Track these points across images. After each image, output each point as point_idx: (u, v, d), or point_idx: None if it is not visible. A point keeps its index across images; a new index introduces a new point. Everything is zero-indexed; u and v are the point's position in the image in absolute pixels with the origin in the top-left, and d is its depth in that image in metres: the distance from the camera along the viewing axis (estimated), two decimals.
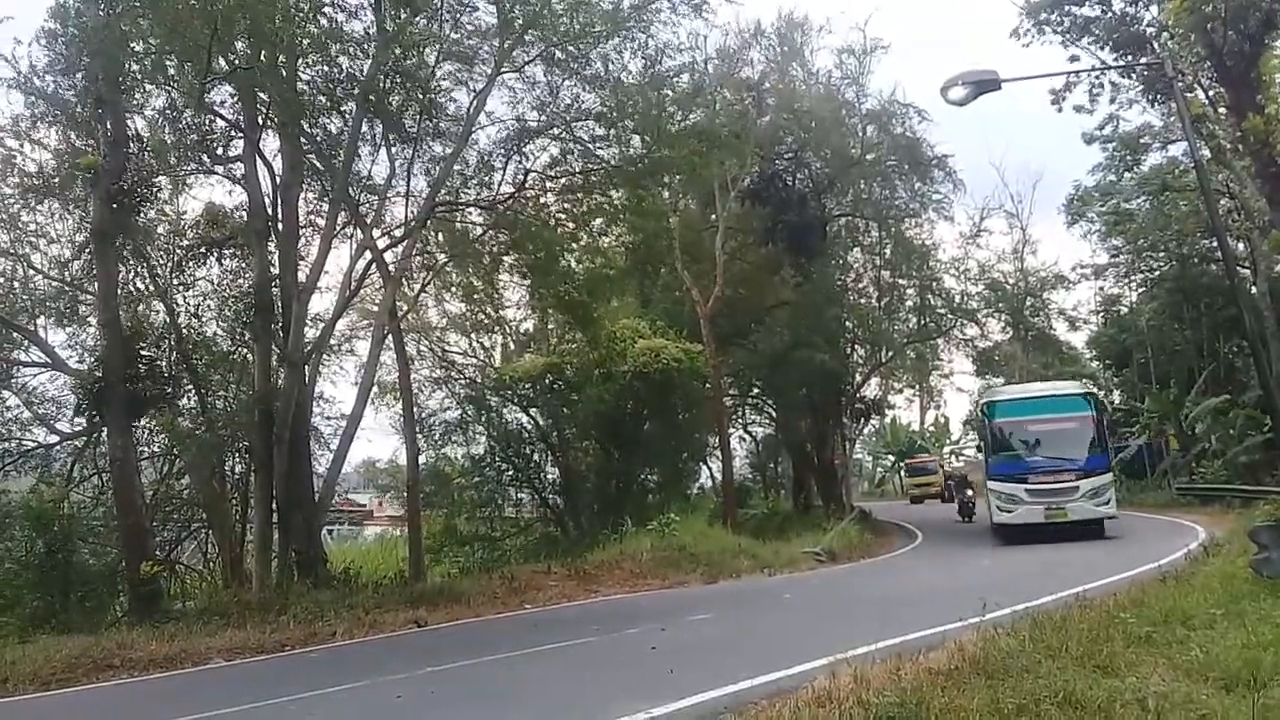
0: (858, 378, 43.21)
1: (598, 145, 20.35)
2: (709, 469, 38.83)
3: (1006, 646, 7.76)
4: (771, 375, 36.50)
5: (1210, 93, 30.26)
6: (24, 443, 18.39)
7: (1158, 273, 46.57)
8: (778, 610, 14.73)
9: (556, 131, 20.29)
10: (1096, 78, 33.36)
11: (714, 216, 32.75)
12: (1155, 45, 30.64)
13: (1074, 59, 31.73)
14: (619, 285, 30.54)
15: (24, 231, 17.79)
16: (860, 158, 36.73)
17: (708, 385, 30.57)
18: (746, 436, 47.04)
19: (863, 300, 41.57)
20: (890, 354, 44.26)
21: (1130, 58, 30.91)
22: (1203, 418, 36.56)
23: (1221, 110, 29.66)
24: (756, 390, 41.38)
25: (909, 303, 42.09)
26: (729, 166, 30.04)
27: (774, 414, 42.54)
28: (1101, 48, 31.32)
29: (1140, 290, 48.76)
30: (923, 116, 35.64)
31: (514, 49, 18.85)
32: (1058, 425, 23.12)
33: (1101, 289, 50.25)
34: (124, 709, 10.16)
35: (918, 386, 60.30)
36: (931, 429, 74.28)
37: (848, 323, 39.27)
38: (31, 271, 17.85)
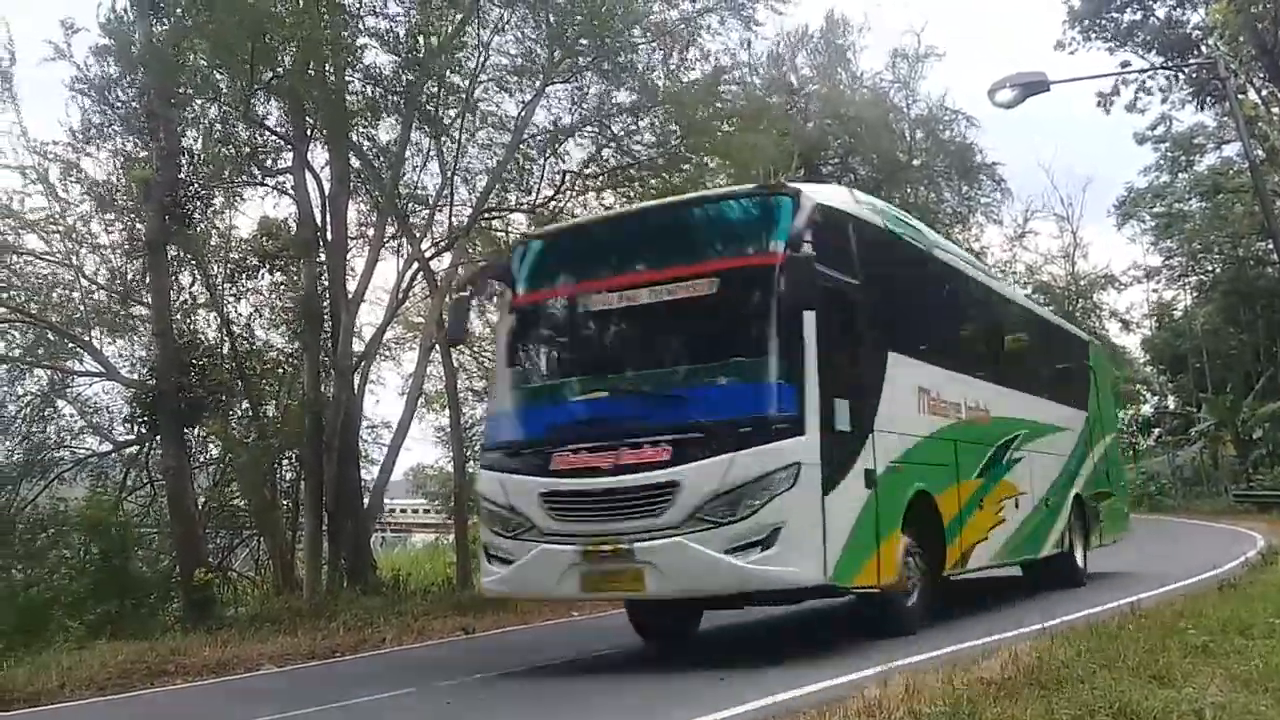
0: None
1: (632, 139, 20.38)
2: None
3: (1062, 656, 7.61)
4: None
5: (1263, 92, 29.68)
6: (78, 451, 18.76)
7: (1212, 275, 45.65)
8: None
9: (590, 130, 20.38)
10: (1144, 82, 32.89)
11: None
12: (1203, 48, 30.13)
13: (1125, 64, 31.34)
14: None
15: (79, 242, 18.17)
16: (908, 162, 36.51)
17: None
18: None
19: None
20: None
21: (1179, 60, 30.46)
22: (1260, 423, 35.77)
23: (1275, 110, 29.06)
24: None
25: None
26: (772, 169, 29.91)
27: None
28: (1148, 52, 30.91)
29: (1195, 294, 47.83)
30: (971, 122, 35.40)
31: (563, 61, 19.00)
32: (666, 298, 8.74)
33: (1155, 291, 49.41)
34: (180, 714, 10.29)
35: None
36: None
37: None
38: (86, 282, 18.21)
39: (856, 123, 35.10)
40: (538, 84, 19.24)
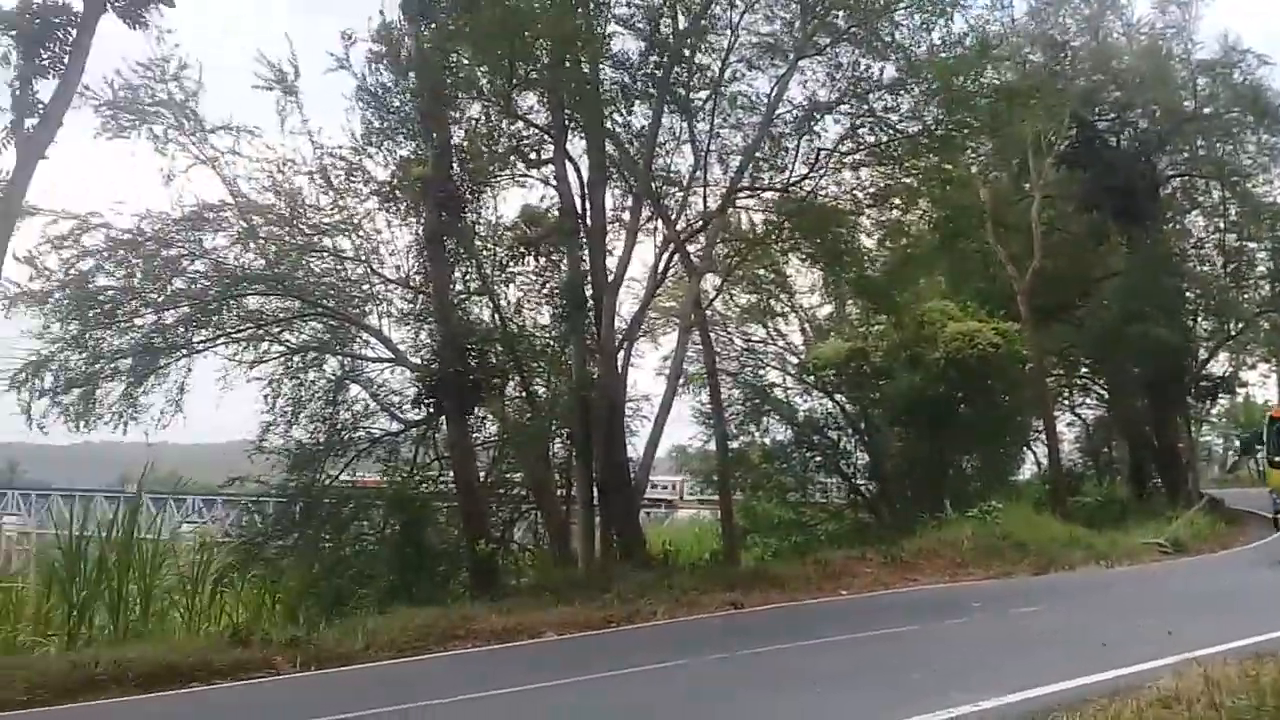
0: (1202, 353, 39.03)
1: (891, 114, 19.61)
2: (1034, 454, 36.53)
3: None
4: (1100, 353, 33.79)
5: None
6: (372, 431, 20.24)
7: None
8: (1114, 604, 13.59)
9: (847, 107, 19.80)
10: None
11: (1028, 186, 30.80)
12: None
13: None
14: (926, 265, 29.42)
15: (366, 239, 19.55)
16: (1195, 112, 33.26)
17: (1028, 366, 28.77)
18: (1075, 419, 43.82)
19: (1204, 267, 37.47)
20: (1240, 326, 39.63)
21: None
22: None
23: None
24: (1084, 369, 38.49)
25: (1260, 268, 37.41)
26: (1043, 130, 28.19)
27: (1105, 394, 39.37)
28: None
29: None
30: (1263, 61, 31.79)
31: (815, 33, 18.60)
32: None
33: None
34: (478, 675, 10.74)
35: (1274, 361, 53.61)
36: None
37: (1188, 293, 35.56)
38: (373, 275, 19.56)
39: (1131, 74, 32.51)
40: (789, 60, 18.94)
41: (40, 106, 12.39)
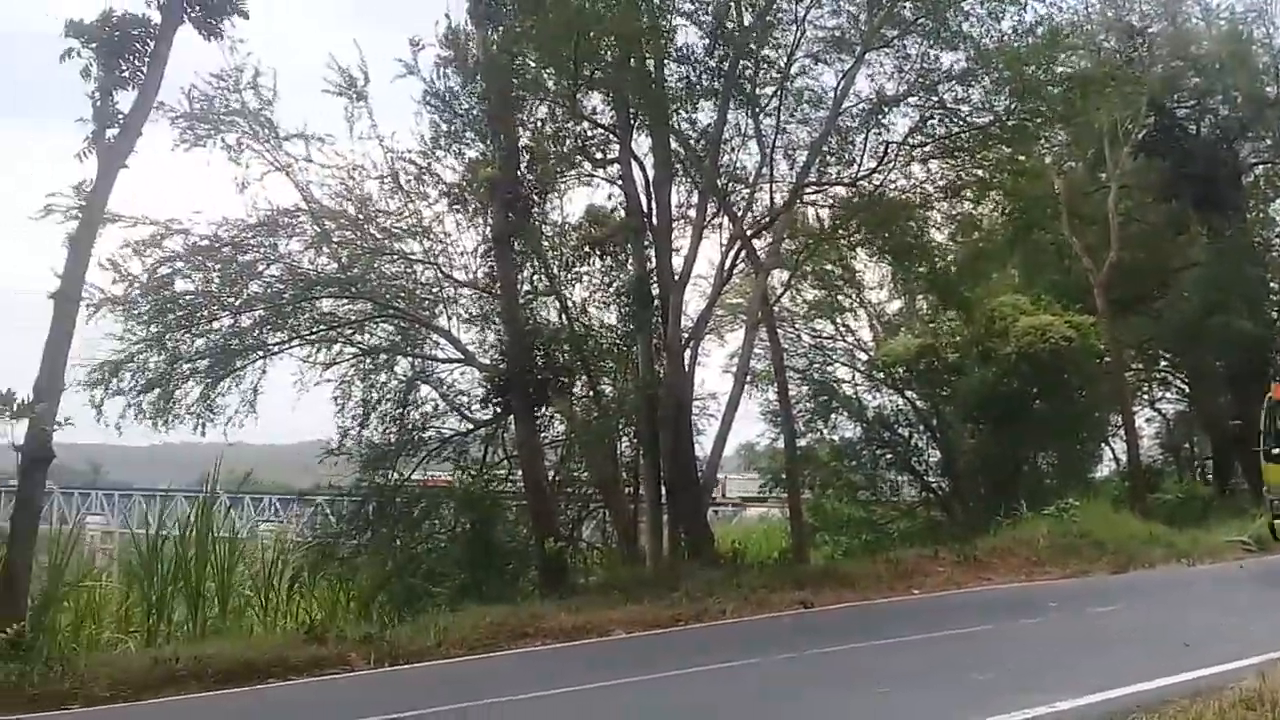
0: None
1: (961, 105, 19.29)
2: (1112, 450, 35.65)
3: None
4: (1180, 345, 32.88)
5: None
6: (443, 431, 20.50)
7: None
8: (1195, 603, 13.22)
9: (915, 99, 19.53)
10: None
11: (1103, 175, 30.09)
12: None
13: None
14: (998, 258, 28.91)
15: (436, 241, 19.79)
16: (1278, 98, 32.18)
17: (1105, 360, 28.10)
18: (1154, 414, 42.68)
19: None
20: None
21: None
22: None
23: None
24: (1164, 363, 37.48)
25: None
26: (1120, 118, 27.49)
27: (1186, 388, 38.29)
28: None
29: None
30: None
31: (882, 25, 18.39)
32: None
33: None
34: (547, 673, 10.82)
35: None
36: None
37: (1272, 283, 34.44)
38: (442, 277, 19.80)
39: (1211, 59, 31.57)
40: (856, 53, 18.75)
41: (120, 117, 12.74)
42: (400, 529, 19.18)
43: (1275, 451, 16.31)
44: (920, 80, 18.97)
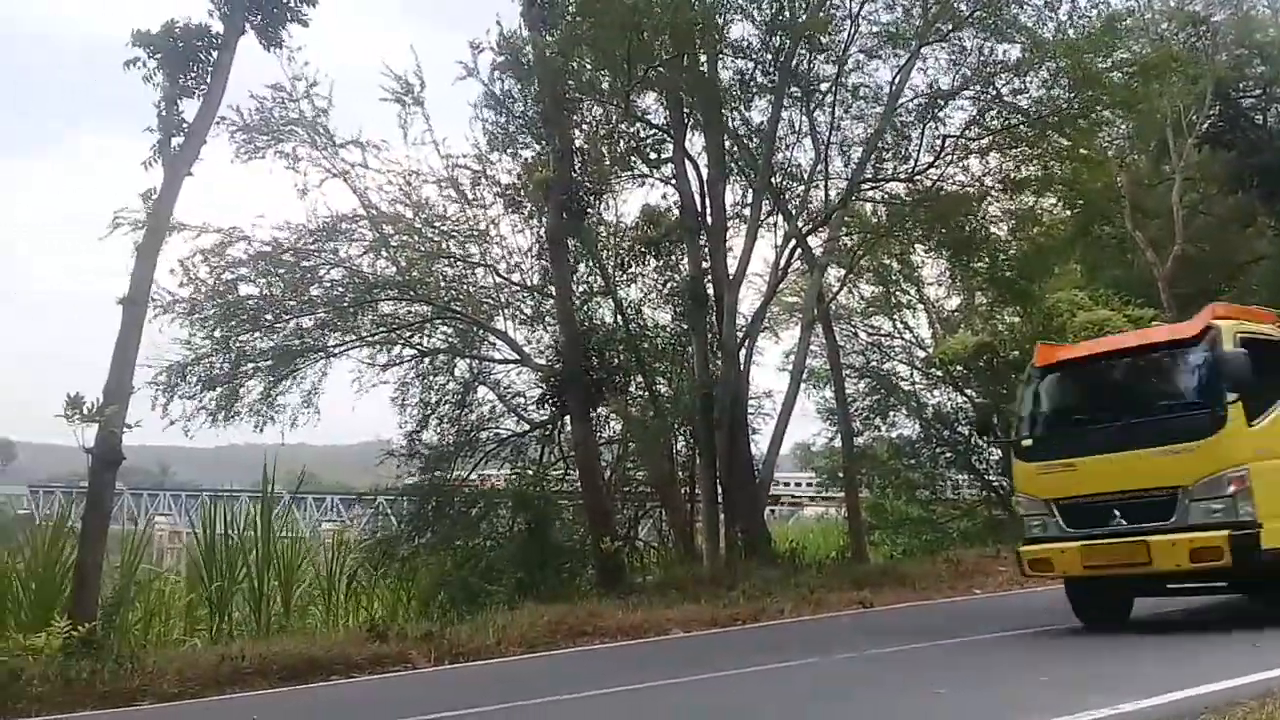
0: None
1: (1018, 97, 19.01)
2: None
3: None
4: None
5: None
6: (500, 431, 20.68)
7: None
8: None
9: (971, 92, 19.29)
10: None
11: (1167, 167, 29.46)
12: None
13: None
14: (1059, 253, 28.41)
15: (492, 243, 19.97)
16: None
17: None
18: None
19: None
20: None
21: None
22: None
23: None
24: None
25: None
26: (1182, 108, 26.88)
27: None
28: None
29: None
30: None
31: (938, 19, 18.20)
32: None
33: None
34: (605, 671, 10.77)
35: None
36: None
37: None
38: (498, 279, 19.98)
39: (1277, 47, 30.72)
40: (911, 47, 18.58)
41: (185, 125, 13.01)
42: (459, 529, 19.36)
43: (1027, 444, 11.27)
44: (976, 73, 18.77)
